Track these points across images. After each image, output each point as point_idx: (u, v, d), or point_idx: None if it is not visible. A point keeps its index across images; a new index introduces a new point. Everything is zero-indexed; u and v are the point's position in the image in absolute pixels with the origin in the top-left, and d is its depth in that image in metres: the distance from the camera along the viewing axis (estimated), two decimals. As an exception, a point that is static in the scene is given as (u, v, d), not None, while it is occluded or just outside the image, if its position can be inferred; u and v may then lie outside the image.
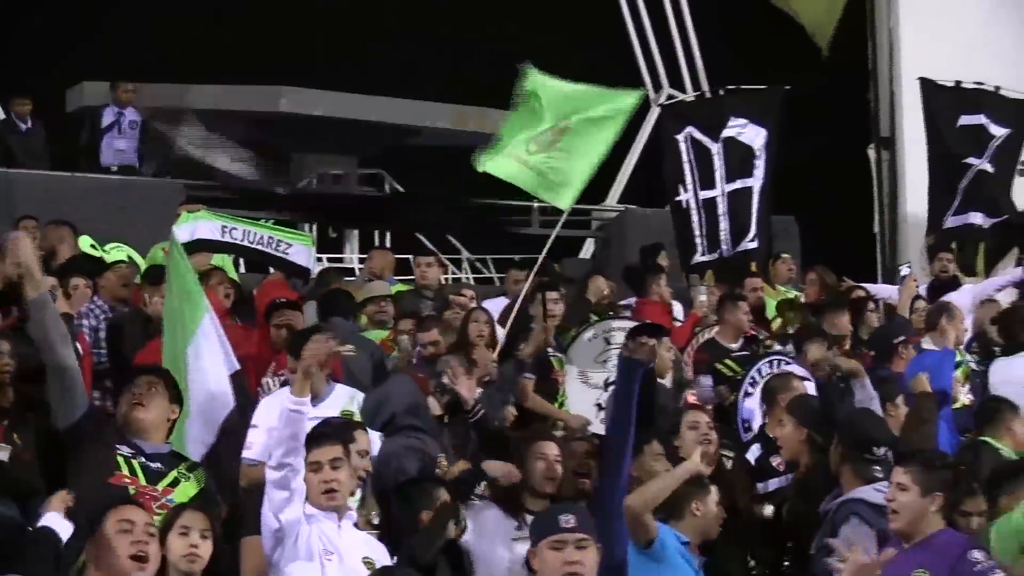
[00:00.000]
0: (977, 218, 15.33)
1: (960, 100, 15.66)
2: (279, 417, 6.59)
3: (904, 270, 13.79)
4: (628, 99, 11.39)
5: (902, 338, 10.68)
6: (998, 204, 15.44)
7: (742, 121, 14.53)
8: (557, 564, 5.50)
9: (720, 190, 14.42)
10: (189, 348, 8.02)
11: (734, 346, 11.47)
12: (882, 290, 14.50)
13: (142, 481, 6.71)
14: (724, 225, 14.39)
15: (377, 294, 11.84)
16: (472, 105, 20.80)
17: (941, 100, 15.70)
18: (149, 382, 7.03)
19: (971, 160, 15.36)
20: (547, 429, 8.67)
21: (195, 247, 11.62)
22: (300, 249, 12.52)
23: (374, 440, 8.34)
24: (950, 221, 15.41)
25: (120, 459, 6.69)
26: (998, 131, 15.53)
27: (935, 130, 15.61)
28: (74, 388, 6.86)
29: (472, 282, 19.06)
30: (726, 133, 14.45)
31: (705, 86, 19.18)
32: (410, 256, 15.34)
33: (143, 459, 6.82)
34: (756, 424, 9.74)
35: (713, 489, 7.53)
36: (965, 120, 15.55)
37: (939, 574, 6.27)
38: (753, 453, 9.05)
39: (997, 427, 8.58)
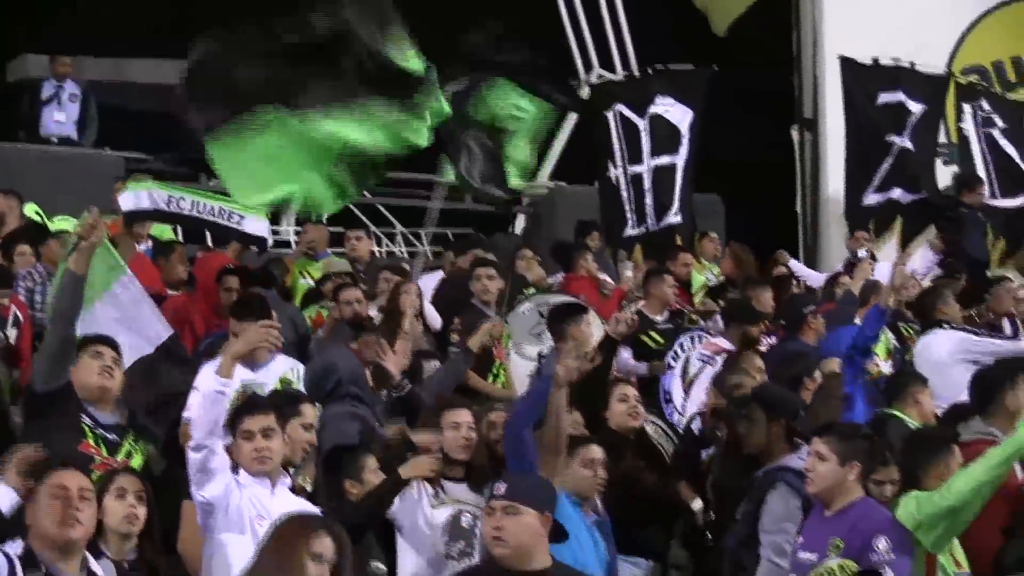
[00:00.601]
0: (896, 193, 15.44)
1: (878, 77, 15.76)
2: (202, 399, 6.48)
3: (862, 253, 13.86)
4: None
5: (811, 308, 10.73)
6: (918, 182, 15.55)
7: (669, 100, 14.65)
8: (487, 529, 5.59)
9: (647, 165, 14.51)
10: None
11: (659, 319, 11.53)
12: (801, 270, 14.64)
13: (104, 452, 6.80)
14: (649, 200, 14.50)
15: (337, 270, 11.93)
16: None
17: (861, 78, 15.81)
18: (115, 357, 7.08)
19: (892, 138, 15.47)
20: (460, 398, 8.62)
21: (139, 217, 11.58)
22: (253, 219, 12.46)
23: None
24: (871, 198, 15.51)
25: (85, 428, 6.71)
26: (915, 107, 15.62)
27: (855, 108, 15.71)
28: (67, 358, 7.05)
29: (406, 255, 19.03)
30: (653, 110, 14.57)
31: (635, 67, 19.20)
32: (340, 228, 15.31)
33: (100, 430, 6.84)
34: (676, 395, 9.86)
35: (595, 448, 7.49)
36: (884, 98, 15.64)
37: (852, 547, 6.38)
38: (698, 423, 9.14)
39: (905, 399, 8.66)
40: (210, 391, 6.35)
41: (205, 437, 6.29)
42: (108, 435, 7.00)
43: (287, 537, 5.24)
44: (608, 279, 13.20)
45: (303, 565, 5.10)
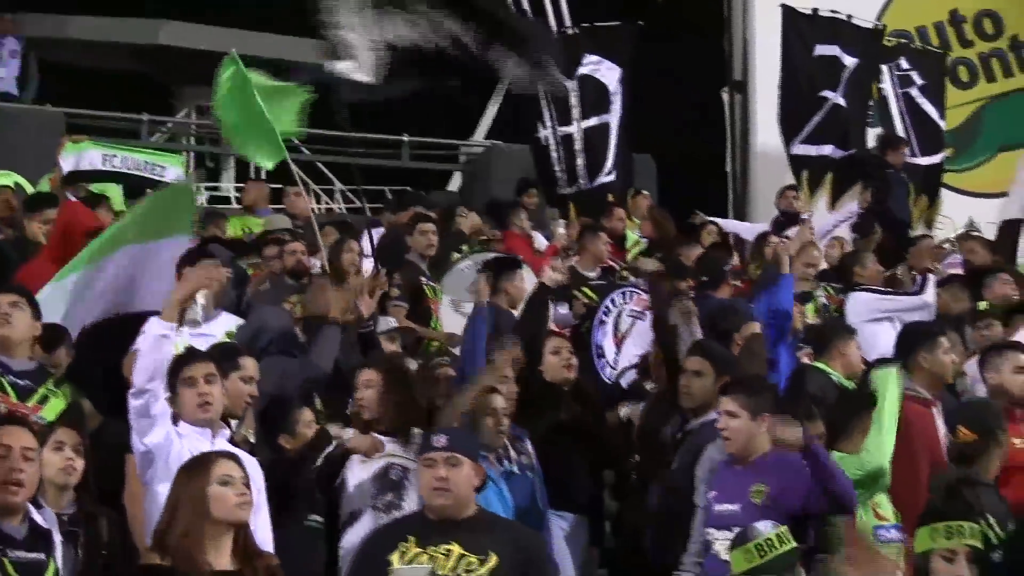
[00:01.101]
0: (827, 149, 15.42)
1: (817, 28, 15.68)
2: (144, 342, 6.34)
3: (804, 215, 13.92)
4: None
5: (729, 266, 10.77)
6: (848, 138, 15.54)
7: (596, 58, 14.64)
8: (427, 480, 5.61)
9: (576, 127, 14.52)
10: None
11: (592, 274, 11.58)
12: (732, 225, 14.72)
13: (12, 398, 6.67)
14: (581, 160, 14.52)
15: (278, 227, 11.91)
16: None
17: (800, 27, 15.72)
18: (12, 301, 6.95)
19: (827, 93, 15.38)
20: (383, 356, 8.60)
21: (79, 178, 11.53)
22: (173, 171, 12.42)
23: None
24: (799, 148, 15.46)
25: None
26: (850, 61, 15.55)
27: (792, 58, 15.62)
28: None
29: (344, 212, 19.00)
30: (581, 71, 14.56)
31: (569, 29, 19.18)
32: (281, 185, 15.27)
33: (12, 376, 6.77)
34: (608, 350, 9.92)
35: (497, 398, 7.44)
36: (821, 50, 15.56)
37: (775, 489, 6.45)
38: (627, 378, 9.18)
39: (829, 352, 8.75)
40: (154, 335, 6.26)
41: (147, 382, 6.21)
42: (20, 381, 6.86)
43: (194, 467, 5.46)
44: (541, 236, 13.27)
45: (207, 490, 5.30)
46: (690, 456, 7.24)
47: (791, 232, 13.12)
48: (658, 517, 7.51)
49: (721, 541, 6.52)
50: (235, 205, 15.86)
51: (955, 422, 7.02)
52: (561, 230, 13.30)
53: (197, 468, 5.46)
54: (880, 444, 6.65)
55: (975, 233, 14.53)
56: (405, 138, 17.28)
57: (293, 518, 6.74)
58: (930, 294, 10.59)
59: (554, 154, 14.58)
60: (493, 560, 5.45)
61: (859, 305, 10.25)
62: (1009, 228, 14.00)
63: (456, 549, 5.47)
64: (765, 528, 5.58)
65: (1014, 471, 7.08)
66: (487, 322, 8.30)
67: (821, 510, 6.46)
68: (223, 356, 6.85)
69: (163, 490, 6.16)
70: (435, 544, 5.49)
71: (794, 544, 5.46)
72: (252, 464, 6.44)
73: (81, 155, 11.86)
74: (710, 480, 6.83)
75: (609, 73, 14.66)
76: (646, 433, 8.10)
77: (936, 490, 6.73)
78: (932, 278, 10.79)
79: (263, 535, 5.95)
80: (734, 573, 5.54)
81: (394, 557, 5.49)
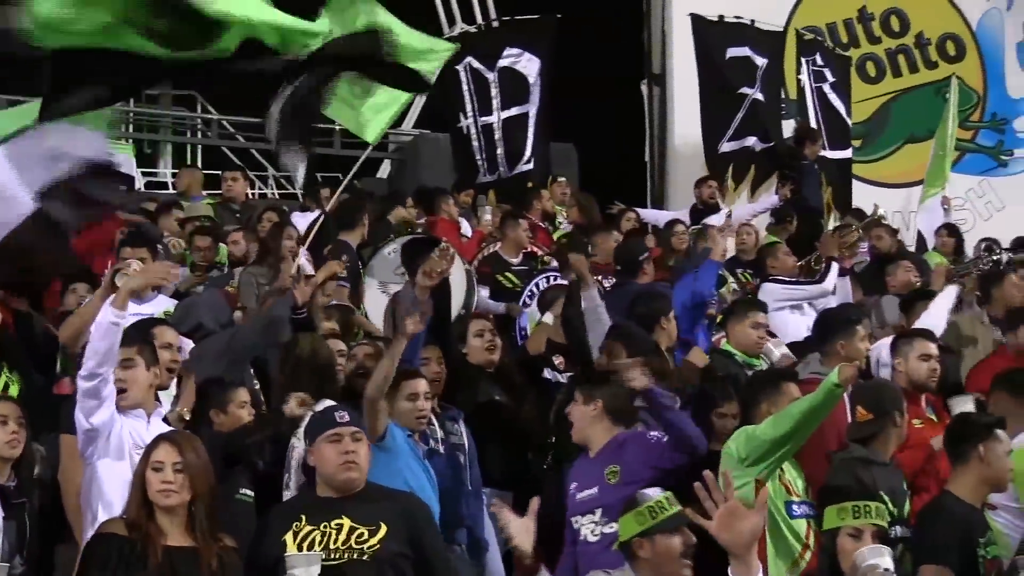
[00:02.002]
0: (751, 141, 15.55)
1: (725, 33, 15.82)
2: (97, 327, 6.36)
3: (724, 209, 13.99)
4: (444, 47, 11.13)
5: (645, 255, 10.85)
6: (768, 131, 15.66)
7: (516, 51, 14.67)
8: (334, 456, 5.63)
9: (496, 117, 14.53)
10: None
11: (515, 260, 11.60)
12: (650, 214, 14.81)
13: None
14: (500, 150, 14.52)
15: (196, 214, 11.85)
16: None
17: (710, 33, 15.84)
18: None
19: (745, 90, 15.51)
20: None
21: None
22: (121, 158, 12.30)
23: (184, 343, 8.31)
24: (726, 146, 15.56)
25: None
26: (760, 60, 15.72)
27: (707, 62, 15.73)
28: None
29: (277, 197, 18.93)
30: (502, 63, 14.60)
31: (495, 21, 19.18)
32: (218, 172, 15.20)
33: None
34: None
35: (418, 382, 7.35)
36: (732, 52, 15.69)
37: (628, 468, 6.54)
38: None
39: (732, 331, 8.88)
40: (105, 322, 6.27)
41: (98, 366, 6.22)
42: None
43: (144, 452, 5.57)
44: (467, 223, 13.27)
45: (146, 474, 5.42)
46: None
47: (710, 219, 13.24)
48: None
49: (587, 526, 6.62)
50: (172, 191, 15.73)
51: (854, 402, 7.08)
52: (488, 216, 13.32)
53: (145, 452, 5.57)
54: (780, 420, 6.69)
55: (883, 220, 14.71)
56: (336, 127, 17.16)
57: (224, 492, 6.61)
58: (830, 282, 10.70)
59: (475, 143, 14.59)
60: (383, 529, 5.50)
61: (768, 295, 10.38)
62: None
63: (347, 523, 5.51)
64: (654, 493, 5.57)
65: (912, 449, 7.19)
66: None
67: (676, 463, 6.51)
68: (136, 332, 6.80)
69: (106, 465, 6.28)
70: (326, 520, 5.52)
71: (679, 507, 5.48)
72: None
73: (23, 135, 11.70)
74: (570, 473, 6.89)
75: (529, 64, 14.68)
76: (561, 417, 8.13)
77: (834, 468, 6.82)
78: (835, 266, 10.90)
79: None
80: (623, 539, 5.52)
81: (288, 538, 5.52)
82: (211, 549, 5.41)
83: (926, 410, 7.70)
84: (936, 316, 9.32)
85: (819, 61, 16.41)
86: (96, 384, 6.23)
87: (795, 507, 6.77)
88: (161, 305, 8.55)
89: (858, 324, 7.95)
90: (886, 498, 6.51)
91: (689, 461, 6.46)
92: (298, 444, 6.86)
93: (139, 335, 6.73)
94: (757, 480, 6.62)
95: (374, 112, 9.80)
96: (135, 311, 7.72)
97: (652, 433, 6.75)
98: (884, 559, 5.38)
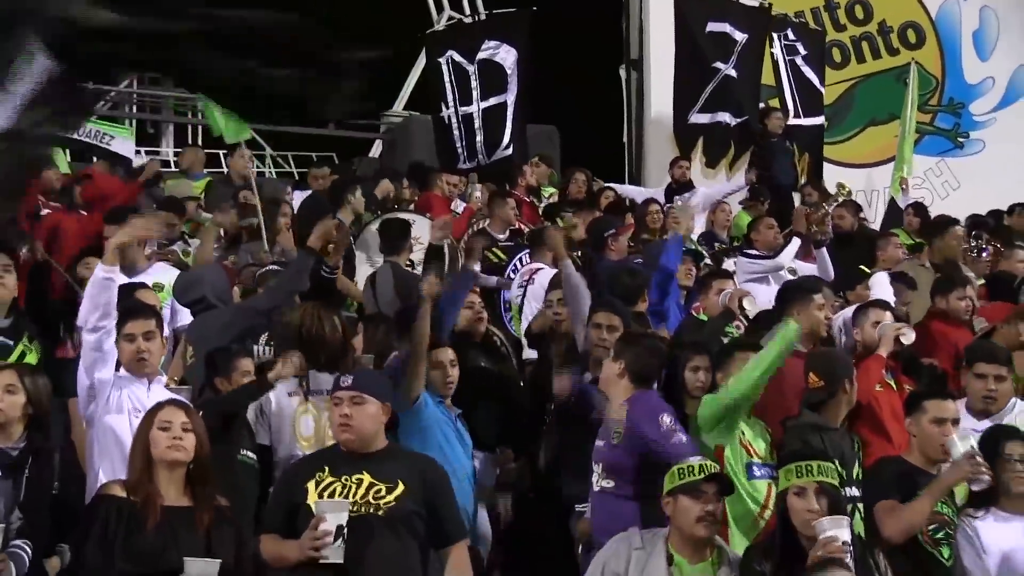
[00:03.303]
0: (725, 117, 15.50)
1: (707, 7, 15.75)
2: (92, 284, 6.39)
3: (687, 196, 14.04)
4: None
5: (612, 231, 10.91)
6: (742, 106, 15.61)
7: (495, 43, 14.66)
8: (334, 417, 5.71)
9: (476, 107, 14.56)
10: None
11: (501, 236, 11.66)
12: (628, 190, 14.86)
13: (-3, 358, 6.69)
14: (480, 138, 14.54)
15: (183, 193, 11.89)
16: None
17: (691, 6, 15.79)
18: (5, 264, 6.96)
19: (718, 65, 15.42)
20: None
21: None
22: (121, 141, 12.30)
23: (183, 313, 8.35)
24: (696, 118, 15.53)
25: None
26: (740, 36, 15.61)
27: (685, 34, 15.64)
28: None
29: (275, 175, 18.95)
30: (481, 55, 14.59)
31: (481, 8, 19.18)
32: (219, 151, 15.22)
33: (-5, 335, 6.79)
34: (514, 305, 10.02)
35: (446, 350, 7.48)
36: (712, 27, 15.58)
37: (627, 428, 6.56)
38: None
39: (704, 301, 8.93)
40: (98, 278, 6.30)
41: (99, 320, 6.26)
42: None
43: (145, 416, 5.63)
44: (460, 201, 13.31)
45: (150, 434, 5.46)
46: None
47: (682, 197, 13.32)
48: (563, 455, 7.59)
49: (596, 474, 6.67)
50: (174, 169, 15.75)
51: (807, 370, 7.09)
52: (478, 194, 13.37)
53: (147, 416, 5.60)
54: (738, 382, 6.74)
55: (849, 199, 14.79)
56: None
57: (227, 453, 6.69)
58: (785, 256, 10.73)
59: (455, 132, 14.63)
60: (400, 487, 5.53)
61: (738, 268, 10.45)
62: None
63: (366, 478, 5.54)
64: (694, 459, 5.78)
65: (863, 412, 7.23)
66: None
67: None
68: (148, 306, 6.86)
69: (104, 427, 6.30)
70: (347, 474, 5.56)
71: (712, 474, 5.63)
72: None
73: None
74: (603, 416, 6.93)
75: (506, 55, 14.67)
76: (538, 384, 8.21)
77: (786, 435, 6.88)
78: (795, 241, 10.94)
79: None
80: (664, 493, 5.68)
81: (310, 485, 5.55)
82: (207, 509, 5.46)
83: (885, 375, 7.74)
84: (880, 287, 9.35)
85: (791, 36, 16.37)
86: (99, 337, 6.27)
87: (756, 468, 6.78)
88: (157, 275, 8.58)
89: (815, 294, 7.88)
90: (836, 461, 6.59)
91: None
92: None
93: (152, 310, 6.75)
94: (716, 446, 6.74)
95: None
96: (131, 280, 7.78)
97: (651, 392, 6.77)
98: (842, 531, 5.39)
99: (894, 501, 6.11)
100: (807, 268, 10.72)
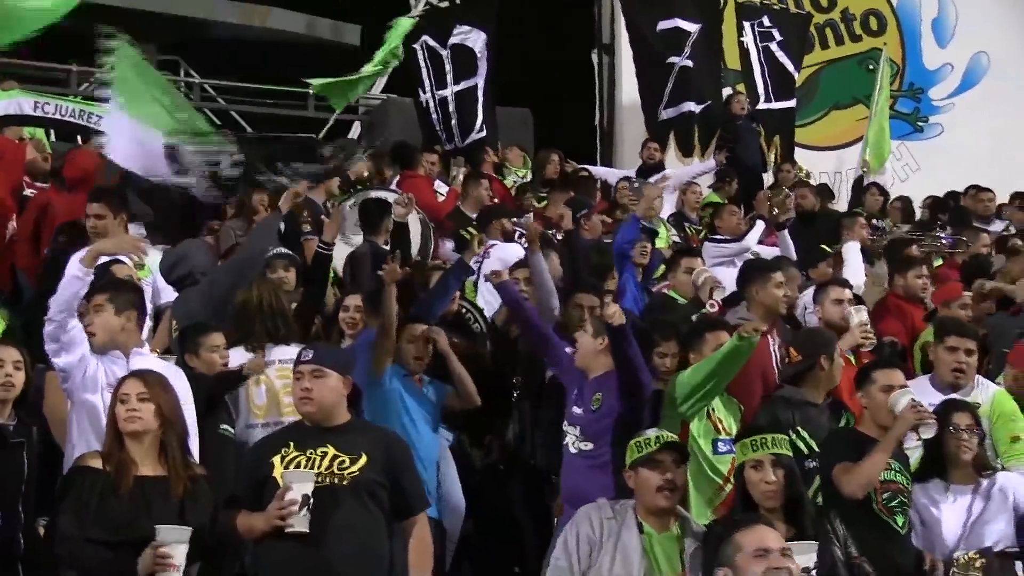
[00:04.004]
0: (690, 106, 15.46)
1: (653, 7, 15.68)
2: (65, 277, 6.33)
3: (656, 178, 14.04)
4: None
5: (583, 212, 10.92)
6: (703, 92, 15.57)
7: (466, 27, 14.63)
8: (295, 391, 5.74)
9: (450, 91, 14.54)
10: None
11: (475, 216, 11.64)
12: (601, 172, 14.86)
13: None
14: (455, 121, 14.53)
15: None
16: (259, 4, 20.34)
17: (641, 9, 15.75)
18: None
19: (673, 59, 15.34)
20: None
21: (10, 122, 11.31)
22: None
23: (167, 291, 8.32)
24: (664, 114, 15.48)
25: None
26: (692, 27, 15.52)
27: (638, 37, 15.63)
28: None
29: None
30: (453, 40, 14.56)
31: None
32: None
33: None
34: (482, 282, 10.02)
35: (416, 327, 7.53)
36: (663, 25, 15.51)
37: (605, 401, 6.71)
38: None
39: (673, 278, 8.95)
40: (72, 275, 6.26)
41: (57, 313, 6.23)
42: None
43: (114, 390, 5.62)
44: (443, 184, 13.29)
45: (115, 408, 5.50)
46: None
47: (653, 179, 13.32)
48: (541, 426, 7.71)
49: (571, 436, 6.79)
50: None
51: (791, 347, 7.20)
52: (460, 177, 13.36)
53: (114, 390, 5.62)
54: (700, 365, 6.81)
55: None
56: (311, 91, 17.13)
57: (209, 427, 6.70)
58: (750, 239, 10.77)
59: (433, 116, 14.62)
60: (364, 459, 5.53)
61: (705, 253, 10.49)
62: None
63: (331, 450, 5.54)
64: (651, 432, 5.80)
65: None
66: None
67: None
68: (108, 280, 6.86)
69: (79, 403, 6.29)
70: (312, 448, 5.57)
71: (668, 445, 5.66)
72: (175, 372, 6.45)
73: (10, 102, 11.59)
74: (571, 381, 7.00)
75: (476, 38, 14.65)
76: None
77: (759, 408, 6.92)
78: (760, 224, 10.98)
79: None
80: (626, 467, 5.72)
81: (276, 459, 5.56)
82: (181, 478, 5.44)
83: (846, 352, 7.78)
84: (852, 267, 9.41)
85: (766, 22, 16.33)
86: (53, 329, 6.23)
87: (721, 444, 6.84)
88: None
89: (773, 272, 7.92)
90: (804, 433, 6.64)
91: (634, 402, 6.62)
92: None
93: (111, 284, 6.74)
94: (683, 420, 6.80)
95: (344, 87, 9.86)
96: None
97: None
98: (807, 556, 5.27)
99: (848, 463, 6.14)
100: (769, 252, 10.76)
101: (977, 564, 6.09)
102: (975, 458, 6.40)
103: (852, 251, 10.11)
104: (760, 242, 11.09)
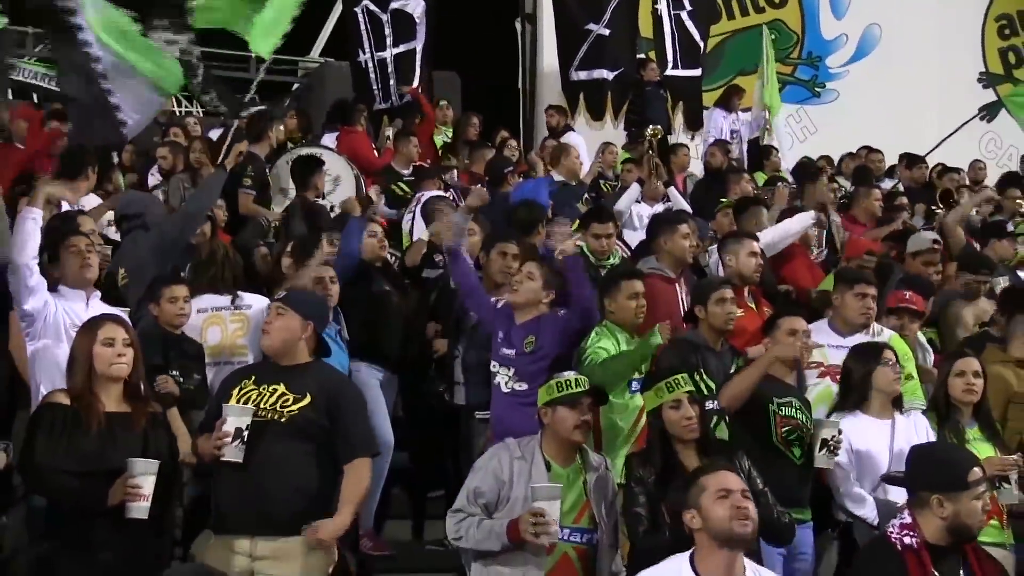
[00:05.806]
0: (603, 73, 15.30)
1: None
2: (18, 222, 6.30)
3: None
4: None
5: (510, 168, 10.80)
6: (618, 60, 15.38)
7: None
8: (263, 326, 5.80)
9: (389, 53, 14.39)
10: None
11: (405, 172, 11.56)
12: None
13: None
14: (393, 81, 14.38)
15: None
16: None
17: None
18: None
19: (591, 26, 15.12)
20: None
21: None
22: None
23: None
24: (575, 75, 15.29)
25: None
26: None
27: (561, 2, 15.42)
28: None
29: (200, 114, 18.55)
30: (393, 5, 14.44)
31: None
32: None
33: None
34: (415, 236, 9.98)
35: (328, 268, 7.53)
36: None
37: (541, 341, 6.77)
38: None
39: (585, 237, 8.85)
40: (24, 217, 6.24)
41: (31, 259, 6.21)
42: None
43: (86, 330, 5.51)
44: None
45: (93, 349, 5.38)
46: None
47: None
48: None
49: (502, 376, 6.85)
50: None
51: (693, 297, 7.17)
52: (389, 133, 13.25)
53: (88, 330, 5.51)
54: (612, 367, 6.70)
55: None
56: (251, 54, 16.85)
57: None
58: (623, 202, 10.47)
59: (372, 75, 14.43)
60: (307, 399, 5.52)
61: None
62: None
63: (280, 388, 5.54)
64: (569, 373, 5.74)
65: (737, 334, 7.24)
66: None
67: (576, 328, 6.81)
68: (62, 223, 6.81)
69: (42, 344, 6.28)
70: (267, 383, 5.57)
71: (586, 388, 5.62)
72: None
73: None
74: (498, 323, 7.01)
75: (416, 5, 14.51)
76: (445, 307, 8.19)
77: (665, 350, 6.84)
78: (635, 187, 10.70)
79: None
80: (539, 406, 5.66)
81: (234, 391, 5.58)
82: (143, 413, 5.43)
83: (747, 300, 7.76)
84: (781, 231, 9.24)
85: None
86: (23, 274, 6.20)
87: (634, 383, 6.75)
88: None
89: (679, 224, 7.93)
90: (706, 376, 6.61)
91: (585, 327, 6.75)
92: None
93: (63, 225, 6.70)
94: None
95: (266, 28, 9.42)
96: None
97: (561, 312, 6.91)
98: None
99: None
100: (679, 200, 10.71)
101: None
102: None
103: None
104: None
